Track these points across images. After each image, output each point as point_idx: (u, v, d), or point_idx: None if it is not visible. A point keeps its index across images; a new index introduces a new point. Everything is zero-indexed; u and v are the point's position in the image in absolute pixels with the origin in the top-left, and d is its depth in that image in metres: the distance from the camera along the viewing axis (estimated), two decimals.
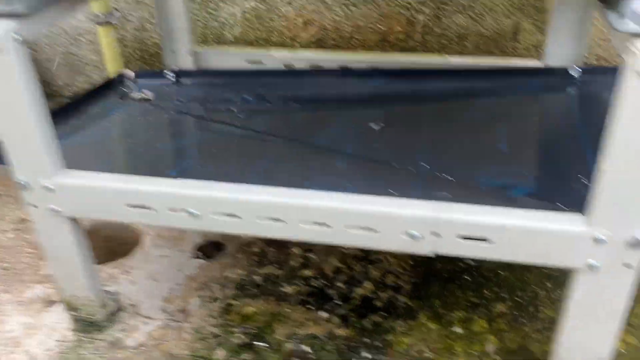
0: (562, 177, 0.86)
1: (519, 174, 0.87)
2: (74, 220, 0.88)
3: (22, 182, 0.84)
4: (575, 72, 1.08)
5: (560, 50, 1.10)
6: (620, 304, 0.74)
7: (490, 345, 0.93)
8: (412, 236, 0.74)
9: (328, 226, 0.77)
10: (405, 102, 1.11)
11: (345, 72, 1.19)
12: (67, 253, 0.91)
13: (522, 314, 0.98)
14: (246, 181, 0.87)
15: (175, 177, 0.89)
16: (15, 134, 0.79)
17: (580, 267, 0.72)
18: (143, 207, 0.82)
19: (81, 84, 1.76)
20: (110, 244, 1.26)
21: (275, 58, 1.25)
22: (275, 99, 1.16)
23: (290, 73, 1.22)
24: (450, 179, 0.87)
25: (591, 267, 0.71)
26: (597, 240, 0.69)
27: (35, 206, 0.86)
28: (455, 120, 1.04)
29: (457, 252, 0.75)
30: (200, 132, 1.07)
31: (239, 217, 0.79)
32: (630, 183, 0.64)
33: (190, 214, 0.80)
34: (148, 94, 1.23)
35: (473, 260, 1.09)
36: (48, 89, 1.79)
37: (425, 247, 0.75)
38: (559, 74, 1.09)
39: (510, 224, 0.72)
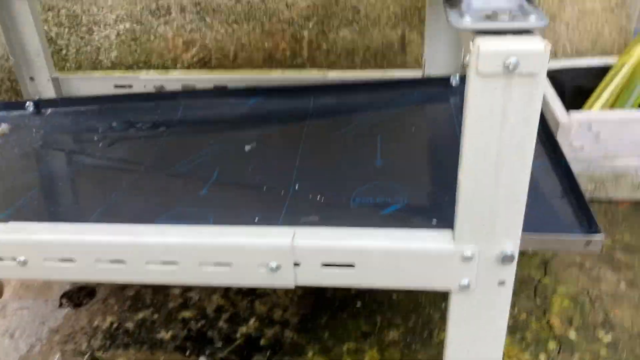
0: (440, 191, 0.81)
1: (394, 191, 0.81)
2: None
3: None
4: (455, 81, 1.05)
5: (440, 59, 1.07)
6: (500, 323, 0.68)
7: None
8: (271, 268, 0.66)
9: (178, 264, 0.68)
10: (283, 121, 1.04)
11: (220, 92, 1.12)
12: None
13: (415, 339, 0.92)
14: (91, 219, 0.77)
15: (5, 219, 0.78)
16: None
17: (453, 288, 0.66)
18: None
19: None
20: None
21: (146, 81, 1.15)
22: (144, 125, 1.07)
23: (161, 96, 1.13)
24: (321, 200, 0.81)
25: (464, 288, 0.65)
26: (465, 258, 0.63)
27: None
28: (334, 137, 0.97)
29: (322, 282, 0.67)
30: (52, 166, 0.96)
31: (73, 262, 0.69)
32: (488, 193, 0.59)
33: (18, 261, 0.69)
34: (3, 127, 1.11)
35: None
36: None
37: (287, 279, 0.67)
38: (439, 84, 1.06)
39: (375, 246, 0.65)
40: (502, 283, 0.65)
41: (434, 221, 0.73)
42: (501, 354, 0.71)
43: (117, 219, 0.74)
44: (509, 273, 0.64)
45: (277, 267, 0.66)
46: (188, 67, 1.42)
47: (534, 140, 0.56)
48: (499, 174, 0.58)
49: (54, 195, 0.86)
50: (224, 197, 0.83)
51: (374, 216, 0.77)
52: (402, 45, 1.36)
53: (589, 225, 0.69)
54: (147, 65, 1.43)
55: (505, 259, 0.63)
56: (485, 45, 0.52)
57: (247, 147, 0.96)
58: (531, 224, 0.68)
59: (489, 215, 0.60)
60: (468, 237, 0.62)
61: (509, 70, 0.52)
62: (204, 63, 1.43)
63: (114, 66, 1.44)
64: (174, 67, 1.43)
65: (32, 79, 1.16)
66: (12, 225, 0.70)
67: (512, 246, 0.62)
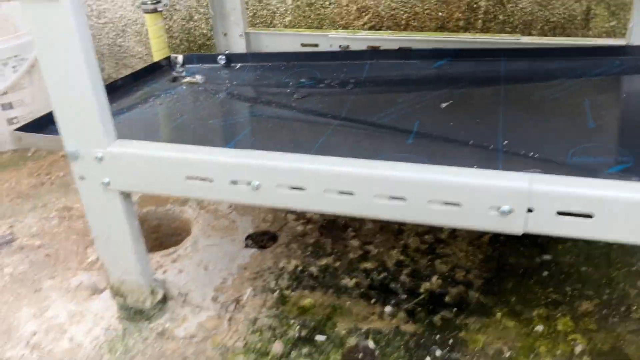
0: None
1: (616, 152, 0.78)
2: (127, 195, 0.82)
3: (72, 152, 0.78)
4: None
5: None
6: None
7: (579, 345, 0.83)
8: (502, 212, 0.66)
9: (404, 200, 0.69)
10: (475, 83, 1.03)
11: (406, 53, 1.12)
12: (117, 232, 0.85)
13: (612, 312, 0.88)
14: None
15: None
16: (68, 97, 0.74)
17: None
18: (201, 179, 0.76)
19: None
20: (157, 234, 1.20)
21: (331, 40, 1.18)
22: (332, 81, 1.10)
23: (347, 55, 1.15)
24: (536, 156, 0.79)
25: None
26: None
27: (84, 178, 0.81)
28: (534, 100, 0.95)
29: (554, 231, 0.66)
30: (254, 112, 1.01)
31: (304, 190, 0.72)
32: None
33: (252, 186, 0.73)
34: (198, 78, 1.18)
35: (549, 254, 1.00)
36: None
37: (516, 225, 0.67)
38: None
39: (619, 196, 0.63)
40: None
41: None
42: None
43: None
44: None
45: (509, 212, 0.66)
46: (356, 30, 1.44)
47: None
48: None
49: (266, 135, 0.91)
50: (432, 147, 0.83)
51: (599, 174, 0.74)
52: (586, 19, 1.31)
53: None
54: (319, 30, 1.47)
55: None
56: None
57: (444, 105, 0.96)
58: None
59: None
60: None
61: None
62: (375, 30, 1.44)
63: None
64: None
65: (225, 34, 1.22)
66: (250, 151, 0.75)
67: None
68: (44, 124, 0.91)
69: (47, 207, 1.25)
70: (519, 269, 0.98)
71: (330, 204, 0.72)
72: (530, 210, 0.66)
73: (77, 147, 0.78)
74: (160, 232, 1.21)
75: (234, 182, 0.74)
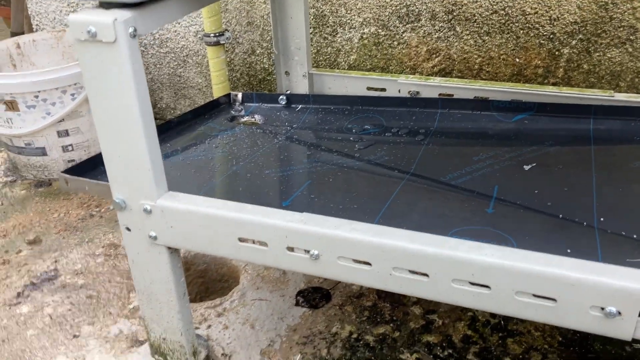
0: None
1: None
2: (174, 251, 0.76)
3: (119, 202, 0.73)
4: None
5: None
6: None
7: None
8: (607, 313, 0.56)
9: (488, 288, 0.60)
10: (560, 142, 0.93)
11: (482, 103, 1.03)
12: (161, 288, 0.78)
13: None
14: (371, 222, 0.72)
15: (287, 207, 0.76)
16: (118, 145, 0.68)
17: None
18: (255, 242, 0.68)
19: (184, 107, 1.70)
20: (204, 279, 1.14)
21: (401, 85, 1.10)
22: (399, 130, 1.02)
23: (417, 102, 1.07)
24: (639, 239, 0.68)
25: None
26: None
27: (130, 229, 0.75)
28: (631, 169, 0.84)
29: None
30: (314, 162, 0.93)
31: (369, 265, 0.64)
32: None
33: (311, 255, 0.65)
34: (257, 118, 1.12)
35: None
36: None
37: (623, 330, 0.56)
38: None
39: None
40: None
41: None
42: None
43: (404, 226, 0.68)
44: None
45: (616, 314, 0.55)
46: (427, 76, 1.36)
47: None
48: None
49: (327, 192, 0.83)
50: (516, 219, 0.73)
51: None
52: None
53: None
54: (385, 71, 1.40)
55: None
56: None
57: (526, 167, 0.86)
58: None
59: None
60: None
61: None
62: (444, 74, 1.35)
63: (350, 69, 1.43)
64: (412, 75, 1.37)
65: (287, 73, 1.16)
66: (309, 216, 0.67)
67: None
68: (93, 165, 0.86)
69: (93, 243, 1.20)
70: (605, 357, 0.85)
71: (400, 284, 0.63)
72: None
73: (125, 198, 0.72)
74: (207, 277, 1.15)
75: (291, 249, 0.67)
